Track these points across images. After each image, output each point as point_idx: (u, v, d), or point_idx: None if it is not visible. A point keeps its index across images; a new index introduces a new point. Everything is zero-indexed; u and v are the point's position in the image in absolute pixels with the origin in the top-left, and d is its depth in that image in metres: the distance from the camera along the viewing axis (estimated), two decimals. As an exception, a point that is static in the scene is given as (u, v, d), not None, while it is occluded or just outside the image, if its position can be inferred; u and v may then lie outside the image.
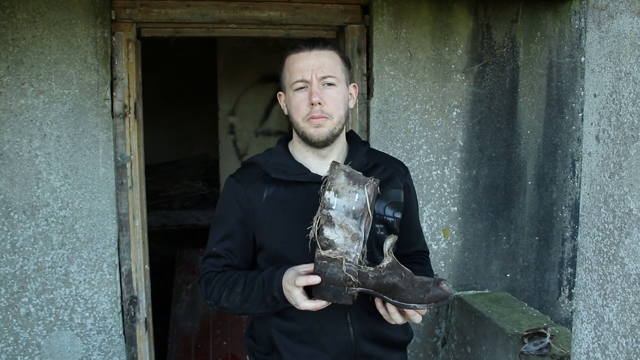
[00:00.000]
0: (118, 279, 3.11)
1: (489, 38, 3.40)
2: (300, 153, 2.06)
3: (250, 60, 6.25)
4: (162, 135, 8.04)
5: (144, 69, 3.24)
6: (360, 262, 1.73)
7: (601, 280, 1.69)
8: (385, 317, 1.85)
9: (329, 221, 1.72)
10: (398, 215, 2.07)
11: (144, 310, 3.19)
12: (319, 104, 1.92)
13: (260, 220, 2.00)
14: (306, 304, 1.76)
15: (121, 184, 3.09)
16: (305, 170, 2.01)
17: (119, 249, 3.11)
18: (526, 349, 2.71)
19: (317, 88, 1.92)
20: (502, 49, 3.43)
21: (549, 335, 2.71)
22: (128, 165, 3.10)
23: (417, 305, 1.74)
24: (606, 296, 1.66)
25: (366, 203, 1.72)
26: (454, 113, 3.39)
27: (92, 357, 3.10)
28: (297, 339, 1.97)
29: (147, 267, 3.22)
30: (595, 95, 1.68)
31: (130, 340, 3.17)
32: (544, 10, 3.45)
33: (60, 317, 3.06)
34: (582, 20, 3.51)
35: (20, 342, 3.02)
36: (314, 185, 1.97)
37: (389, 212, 2.05)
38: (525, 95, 3.47)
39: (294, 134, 2.05)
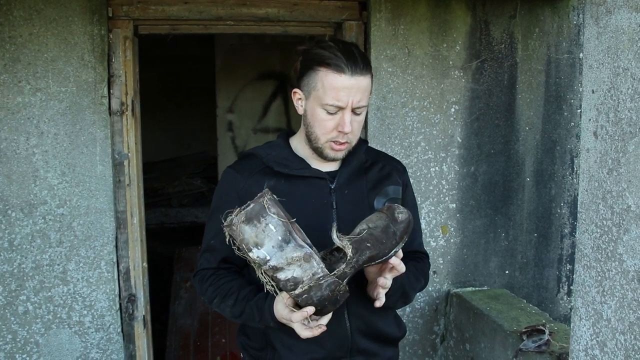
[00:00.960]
0: (116, 276, 3.11)
1: (487, 34, 3.40)
2: (303, 150, 2.05)
3: (248, 57, 6.24)
4: (160, 133, 8.04)
5: (142, 66, 3.23)
6: (329, 267, 1.72)
7: (599, 277, 1.68)
8: (380, 296, 1.88)
9: (276, 269, 1.65)
10: None
11: (142, 308, 3.19)
12: (347, 133, 1.91)
13: None
14: (307, 333, 1.78)
15: (119, 181, 3.09)
16: (306, 165, 2.01)
17: (117, 246, 3.10)
18: (525, 345, 2.71)
19: (349, 117, 1.89)
20: (500, 45, 3.42)
21: (547, 332, 2.71)
22: (126, 163, 3.09)
23: (395, 249, 1.75)
24: (604, 293, 1.66)
25: (278, 217, 1.65)
26: (452, 109, 3.39)
27: (90, 355, 3.10)
28: (293, 334, 1.96)
29: (145, 264, 3.22)
30: (593, 91, 1.68)
31: (128, 338, 3.17)
32: (542, 6, 3.45)
33: (58, 315, 3.05)
34: (581, 16, 3.50)
35: (18, 340, 3.02)
36: (315, 180, 1.99)
37: None
38: (524, 91, 3.47)
39: (304, 136, 2.02)
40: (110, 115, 3.04)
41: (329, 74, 1.88)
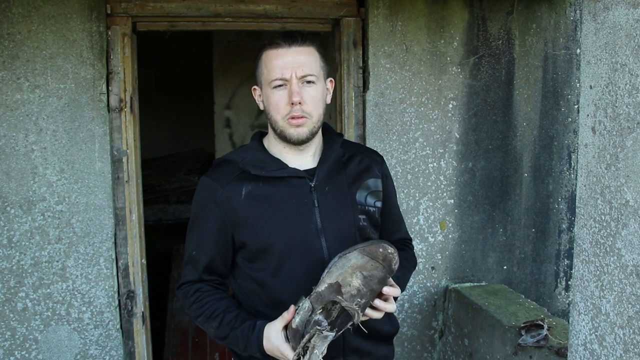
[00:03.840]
0: (115, 273, 3.11)
1: (484, 30, 3.40)
2: (277, 148, 2.03)
3: (245, 54, 6.23)
4: (158, 130, 8.04)
5: (140, 63, 3.23)
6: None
7: (598, 272, 1.69)
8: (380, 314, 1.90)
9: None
10: (379, 204, 2.09)
11: (141, 305, 3.19)
12: (299, 103, 1.89)
13: (240, 219, 1.96)
14: None
15: (117, 178, 3.09)
16: (283, 165, 1.99)
17: (115, 243, 3.10)
18: (523, 340, 2.72)
19: (297, 87, 1.89)
20: (498, 41, 3.43)
21: (546, 327, 2.72)
22: (124, 160, 3.09)
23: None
24: (603, 287, 1.67)
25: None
26: (450, 105, 3.39)
27: (89, 352, 3.11)
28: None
29: (144, 261, 3.22)
30: (591, 87, 1.69)
31: (127, 334, 3.17)
32: (539, 2, 3.45)
33: (57, 312, 3.06)
34: (577, 12, 3.51)
35: (17, 337, 3.02)
36: (293, 179, 1.98)
37: (370, 201, 2.07)
38: (521, 87, 3.47)
39: (270, 130, 2.03)
40: (108, 112, 3.04)
41: (268, 53, 1.94)
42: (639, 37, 1.48)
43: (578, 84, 3.55)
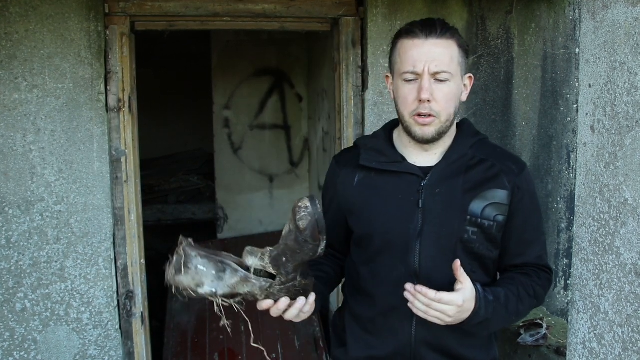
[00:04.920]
0: (114, 273, 3.11)
1: (483, 30, 3.40)
2: (402, 142, 1.97)
3: (244, 53, 6.23)
4: (157, 130, 8.03)
5: (139, 63, 3.23)
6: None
7: (597, 271, 1.69)
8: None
9: (228, 295, 1.70)
10: (500, 219, 1.88)
11: (140, 305, 3.19)
12: (429, 101, 1.79)
13: (350, 204, 1.98)
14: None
15: (116, 178, 3.08)
16: (398, 159, 1.93)
17: (114, 243, 3.10)
18: (522, 339, 2.73)
19: (428, 83, 1.79)
20: (497, 40, 3.43)
21: (545, 326, 2.73)
22: (123, 160, 3.09)
23: (318, 250, 1.69)
24: (602, 286, 1.67)
25: (201, 257, 1.69)
26: (449, 105, 3.39)
27: (88, 352, 3.10)
28: (362, 326, 1.95)
29: (143, 261, 3.22)
30: (590, 86, 1.69)
31: (126, 334, 3.17)
32: (538, 1, 3.45)
33: (56, 312, 3.05)
34: (577, 11, 3.51)
35: (16, 337, 3.02)
36: (406, 175, 1.91)
37: (488, 214, 1.87)
38: (520, 86, 3.47)
39: (400, 121, 1.95)
40: (107, 111, 3.03)
41: (404, 42, 1.84)
42: (638, 35, 1.47)
43: (577, 84, 3.54)
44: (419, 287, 1.70)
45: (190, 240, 1.71)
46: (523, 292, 1.89)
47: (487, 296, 1.78)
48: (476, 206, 1.86)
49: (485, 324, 1.80)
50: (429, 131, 1.84)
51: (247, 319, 1.80)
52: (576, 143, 3.57)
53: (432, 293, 1.68)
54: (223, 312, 1.69)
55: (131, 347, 3.18)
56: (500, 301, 1.82)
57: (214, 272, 1.67)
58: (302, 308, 1.74)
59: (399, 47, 1.86)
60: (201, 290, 1.66)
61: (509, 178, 1.89)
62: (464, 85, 1.92)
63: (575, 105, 3.55)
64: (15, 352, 3.02)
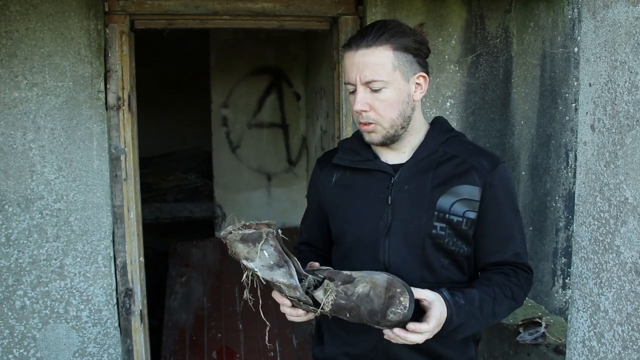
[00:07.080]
0: (113, 271, 3.11)
1: (482, 29, 3.40)
2: None
3: (243, 52, 6.22)
4: (155, 128, 8.02)
5: (139, 61, 3.23)
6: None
7: (597, 269, 1.70)
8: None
9: (263, 278, 1.72)
10: (471, 215, 1.86)
11: (139, 303, 3.19)
12: (365, 111, 1.82)
13: (328, 203, 2.05)
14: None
15: (115, 176, 3.09)
16: (370, 157, 1.96)
17: (113, 241, 3.10)
18: (521, 338, 2.73)
19: (363, 93, 1.81)
20: (496, 39, 3.43)
21: (544, 324, 2.73)
22: (122, 158, 3.09)
23: (376, 325, 1.69)
24: (602, 285, 1.67)
25: (274, 249, 1.71)
26: (448, 104, 3.39)
27: (87, 350, 3.10)
28: (339, 323, 1.92)
29: (142, 259, 3.22)
30: (590, 85, 1.69)
31: (125, 332, 3.17)
32: (537, 0, 3.46)
33: (55, 310, 3.05)
34: (575, 10, 3.51)
35: (15, 335, 3.02)
36: (377, 172, 1.93)
37: (457, 209, 1.86)
38: (519, 85, 3.48)
39: None
40: (107, 110, 3.03)
41: (344, 54, 1.87)
42: (638, 34, 1.48)
43: (576, 83, 3.55)
44: (397, 331, 1.65)
45: (279, 231, 1.75)
46: (499, 293, 1.87)
47: (457, 301, 1.76)
48: (444, 202, 1.86)
49: (460, 329, 1.78)
50: (375, 137, 1.88)
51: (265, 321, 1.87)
52: (575, 142, 3.58)
53: (410, 336, 1.65)
54: (248, 284, 1.72)
55: (130, 344, 3.19)
56: (474, 304, 1.80)
57: (272, 262, 1.70)
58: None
59: (344, 59, 1.89)
60: (245, 263, 1.70)
61: (480, 174, 1.88)
62: (417, 84, 1.89)
63: (573, 104, 3.56)
64: (14, 350, 3.02)
